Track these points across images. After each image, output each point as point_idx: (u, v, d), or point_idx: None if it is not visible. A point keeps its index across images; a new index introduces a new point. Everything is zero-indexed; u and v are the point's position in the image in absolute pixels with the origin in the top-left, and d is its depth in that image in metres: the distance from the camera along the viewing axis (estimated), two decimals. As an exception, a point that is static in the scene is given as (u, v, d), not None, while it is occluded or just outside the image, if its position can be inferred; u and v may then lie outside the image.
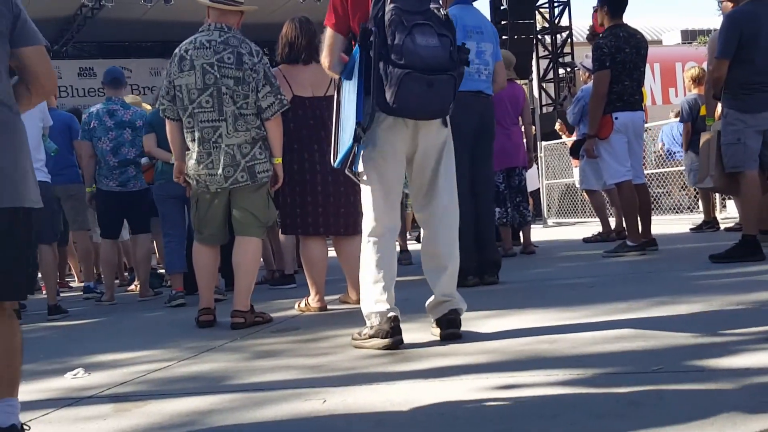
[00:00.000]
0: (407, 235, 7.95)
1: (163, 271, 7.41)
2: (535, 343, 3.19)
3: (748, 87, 5.22)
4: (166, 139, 4.73)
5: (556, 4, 17.22)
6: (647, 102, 13.67)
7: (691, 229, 8.93)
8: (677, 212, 11.82)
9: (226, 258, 4.85)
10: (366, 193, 3.44)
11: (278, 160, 4.53)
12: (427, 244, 3.52)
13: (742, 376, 2.38)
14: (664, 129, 11.66)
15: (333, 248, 5.04)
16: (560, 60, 17.47)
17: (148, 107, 7.58)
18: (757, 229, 5.28)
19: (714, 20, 23.01)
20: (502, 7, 16.94)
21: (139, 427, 2.53)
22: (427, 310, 3.51)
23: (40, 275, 6.30)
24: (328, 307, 4.91)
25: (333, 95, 3.66)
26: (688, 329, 3.11)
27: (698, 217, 9.64)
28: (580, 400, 2.33)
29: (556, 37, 17.47)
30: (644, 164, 7.58)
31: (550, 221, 13.63)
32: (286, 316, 4.77)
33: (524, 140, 7.87)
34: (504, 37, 15.05)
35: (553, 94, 17.62)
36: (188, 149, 4.50)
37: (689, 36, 26.60)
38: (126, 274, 8.66)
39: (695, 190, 10.05)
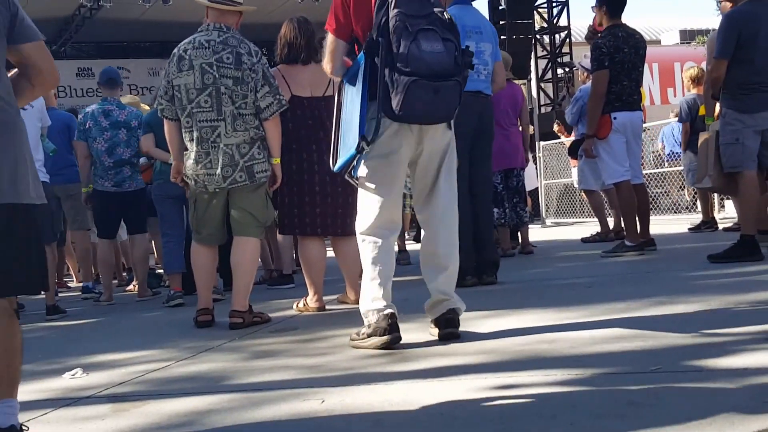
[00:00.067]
0: (405, 235, 7.95)
1: (161, 271, 7.41)
2: (534, 343, 3.19)
3: (746, 87, 5.22)
4: (165, 139, 4.73)
5: (554, 4, 17.24)
6: (646, 102, 13.67)
7: (689, 229, 8.94)
8: (676, 212, 11.83)
9: (224, 258, 4.85)
10: (365, 193, 3.44)
11: (277, 161, 4.53)
12: (427, 244, 3.52)
13: (740, 376, 2.38)
14: (664, 130, 11.67)
15: (331, 248, 5.04)
16: (559, 60, 17.49)
17: (147, 107, 7.57)
18: (755, 229, 5.28)
19: (713, 20, 23.02)
20: (500, 7, 16.96)
21: (137, 427, 2.53)
22: (426, 309, 3.51)
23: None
24: (327, 307, 4.91)
25: (332, 95, 3.65)
26: (687, 329, 3.11)
27: (697, 217, 9.65)
28: (579, 400, 2.33)
29: (554, 37, 17.49)
30: (643, 164, 7.58)
31: (548, 221, 13.64)
32: (284, 316, 4.77)
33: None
34: (502, 37, 15.05)
35: (551, 94, 17.65)
36: (186, 149, 4.50)
37: (688, 36, 26.63)
38: (124, 274, 8.67)
39: (693, 190, 10.06)
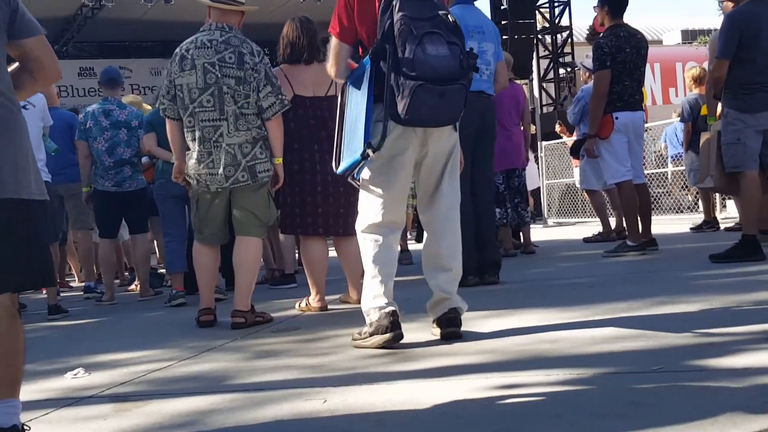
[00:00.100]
0: (407, 234, 7.95)
1: (163, 270, 7.41)
2: (536, 342, 3.19)
3: (748, 87, 5.22)
4: (167, 138, 4.73)
5: (556, 4, 17.23)
6: (647, 102, 13.68)
7: (691, 229, 8.94)
8: (677, 212, 11.83)
9: (226, 258, 4.85)
10: (367, 194, 3.44)
11: (279, 160, 4.53)
12: (430, 244, 3.52)
13: (742, 376, 2.39)
14: (667, 131, 11.64)
15: (333, 248, 5.04)
16: (560, 60, 17.49)
17: (149, 107, 7.57)
18: (757, 229, 5.28)
19: (714, 20, 23.06)
20: (502, 7, 16.95)
21: (139, 427, 2.53)
22: (428, 309, 3.51)
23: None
24: (329, 306, 4.91)
25: (334, 95, 3.65)
26: (688, 329, 3.11)
27: (698, 217, 9.65)
28: (581, 400, 2.34)
29: (556, 37, 17.49)
30: (644, 164, 7.58)
31: (550, 221, 13.63)
32: (286, 316, 4.78)
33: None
34: (504, 36, 15.04)
35: (553, 94, 17.64)
36: (188, 149, 4.51)
37: (689, 36, 26.64)
38: (126, 273, 8.67)
39: (695, 190, 10.05)
